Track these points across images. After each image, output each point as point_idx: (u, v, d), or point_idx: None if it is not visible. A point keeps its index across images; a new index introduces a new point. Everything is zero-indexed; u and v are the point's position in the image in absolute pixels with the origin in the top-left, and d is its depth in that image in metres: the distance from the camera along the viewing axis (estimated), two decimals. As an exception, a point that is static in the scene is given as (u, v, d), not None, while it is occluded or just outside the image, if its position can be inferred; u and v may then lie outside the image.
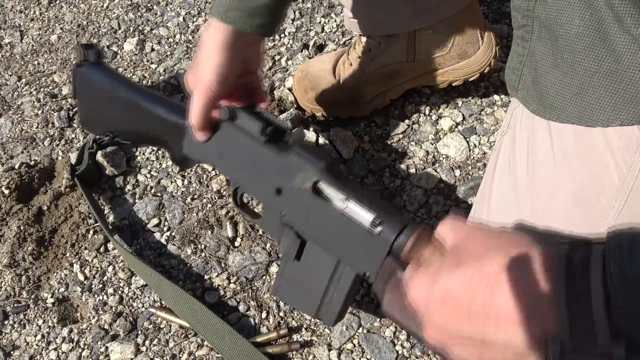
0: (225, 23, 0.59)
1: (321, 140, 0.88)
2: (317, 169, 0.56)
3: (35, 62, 1.06)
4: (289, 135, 0.64)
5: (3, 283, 0.79)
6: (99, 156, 0.86)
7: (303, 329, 0.72)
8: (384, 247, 0.48)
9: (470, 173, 0.86)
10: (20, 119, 0.97)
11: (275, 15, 0.62)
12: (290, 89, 0.95)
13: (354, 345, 0.71)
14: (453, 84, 0.92)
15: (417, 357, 0.69)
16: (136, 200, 0.85)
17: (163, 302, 0.74)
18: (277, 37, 1.06)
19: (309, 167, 0.56)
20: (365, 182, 0.85)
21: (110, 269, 0.79)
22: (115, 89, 0.75)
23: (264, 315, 0.74)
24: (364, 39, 0.86)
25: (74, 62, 0.80)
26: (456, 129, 0.90)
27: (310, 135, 0.88)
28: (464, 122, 0.91)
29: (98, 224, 0.80)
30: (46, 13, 1.15)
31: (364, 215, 0.51)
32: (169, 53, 1.05)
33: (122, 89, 0.74)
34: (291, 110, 0.92)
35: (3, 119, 0.97)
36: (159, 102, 0.72)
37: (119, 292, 0.77)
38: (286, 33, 1.06)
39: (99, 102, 0.77)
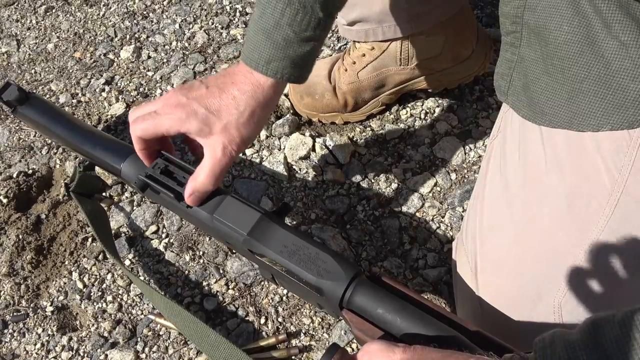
0: (267, 76, 0.55)
1: (317, 146, 0.89)
2: (242, 238, 0.55)
3: (32, 71, 1.07)
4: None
5: (2, 292, 0.79)
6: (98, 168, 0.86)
7: (302, 334, 0.73)
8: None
9: (466, 176, 0.86)
10: (17, 127, 0.98)
11: (313, 62, 0.59)
12: (286, 95, 0.96)
13: (352, 349, 0.71)
14: (448, 88, 0.92)
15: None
16: (134, 208, 0.86)
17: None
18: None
19: (234, 235, 0.56)
20: (361, 186, 0.86)
21: (109, 276, 0.79)
22: (51, 126, 0.77)
23: (262, 320, 0.74)
24: (358, 45, 0.87)
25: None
26: (451, 132, 0.91)
27: (306, 140, 0.89)
28: (460, 125, 0.92)
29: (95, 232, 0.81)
30: (42, 22, 1.16)
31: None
32: (165, 60, 1.06)
33: (57, 127, 0.76)
34: (287, 115, 0.93)
35: (0, 128, 0.98)
36: (90, 143, 0.73)
37: (118, 300, 0.77)
38: (282, 39, 1.07)
39: (50, 135, 0.80)
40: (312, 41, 0.55)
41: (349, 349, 0.71)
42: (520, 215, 0.52)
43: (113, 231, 0.83)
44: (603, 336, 0.30)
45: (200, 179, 0.56)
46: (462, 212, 0.82)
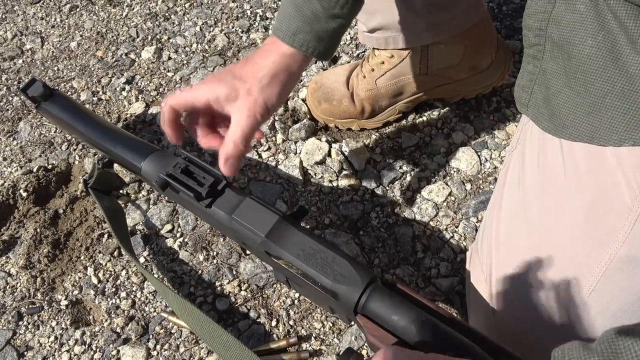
0: (293, 47, 0.58)
1: (333, 151, 0.89)
2: (260, 240, 0.56)
3: (55, 68, 1.09)
4: (224, 182, 0.61)
5: (19, 284, 0.80)
6: (116, 165, 0.87)
7: (312, 338, 0.73)
8: None
9: (481, 187, 0.86)
10: (39, 123, 0.99)
11: (337, 40, 0.62)
12: (303, 100, 0.96)
13: (363, 355, 0.71)
14: (465, 98, 0.93)
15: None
16: (150, 206, 0.87)
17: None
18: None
19: (252, 237, 0.57)
20: (375, 193, 0.86)
21: (123, 273, 0.80)
22: (73, 123, 0.79)
23: (274, 323, 0.75)
24: (377, 52, 0.87)
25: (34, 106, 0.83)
26: (467, 142, 0.91)
27: (322, 146, 0.90)
28: (476, 136, 0.92)
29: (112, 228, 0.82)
30: (66, 20, 1.18)
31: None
32: (185, 62, 1.07)
33: (79, 124, 0.78)
34: (304, 120, 0.94)
35: (23, 123, 1.00)
36: (110, 140, 0.74)
37: (132, 296, 0.78)
38: (301, 44, 1.08)
39: (71, 131, 0.82)
40: (338, 19, 0.58)
41: (358, 355, 0.71)
42: (538, 227, 0.52)
43: (129, 228, 0.84)
44: (623, 351, 0.30)
45: (230, 144, 0.58)
46: (477, 222, 0.82)
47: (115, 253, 0.82)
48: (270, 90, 0.58)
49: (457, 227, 0.82)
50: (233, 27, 1.12)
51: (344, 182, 0.87)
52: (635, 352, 0.29)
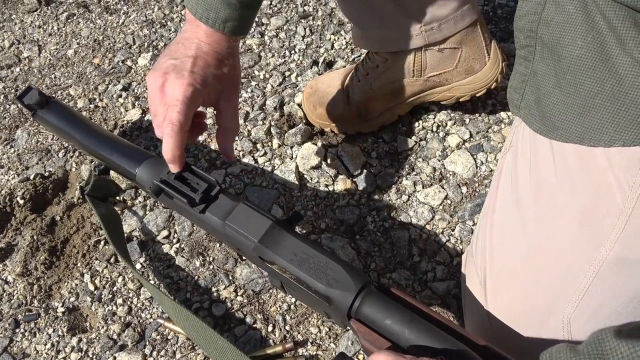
0: (196, 18, 0.61)
1: (329, 155, 0.90)
2: (253, 245, 0.56)
3: (52, 76, 1.09)
4: (218, 188, 0.61)
5: (15, 291, 0.80)
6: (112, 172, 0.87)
7: (309, 343, 0.73)
8: None
9: (477, 190, 0.86)
10: (36, 130, 1.00)
11: (247, 14, 0.63)
12: (299, 105, 0.97)
13: (359, 360, 0.71)
14: (460, 100, 0.93)
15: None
16: (147, 212, 0.87)
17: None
18: (287, 53, 1.08)
19: (246, 242, 0.57)
20: (371, 197, 0.86)
21: (120, 279, 0.80)
22: (69, 130, 0.78)
23: (270, 328, 0.74)
24: (372, 56, 0.87)
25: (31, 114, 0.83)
26: (463, 146, 0.91)
27: (318, 150, 0.90)
28: (471, 139, 0.92)
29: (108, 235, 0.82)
30: (63, 28, 1.19)
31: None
32: (181, 68, 1.07)
33: (75, 131, 0.78)
34: (300, 125, 0.94)
35: (20, 131, 1.00)
36: (106, 147, 0.74)
37: (128, 303, 0.78)
38: (296, 50, 1.08)
39: (68, 139, 0.81)
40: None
41: (355, 360, 0.71)
42: (532, 230, 0.52)
43: (125, 235, 0.84)
44: (609, 352, 0.29)
45: (234, 128, 0.63)
46: (473, 225, 0.82)
47: (112, 260, 0.82)
48: (238, 72, 0.65)
49: (453, 230, 0.82)
50: (229, 33, 1.13)
51: (340, 187, 0.87)
52: (622, 353, 0.29)
